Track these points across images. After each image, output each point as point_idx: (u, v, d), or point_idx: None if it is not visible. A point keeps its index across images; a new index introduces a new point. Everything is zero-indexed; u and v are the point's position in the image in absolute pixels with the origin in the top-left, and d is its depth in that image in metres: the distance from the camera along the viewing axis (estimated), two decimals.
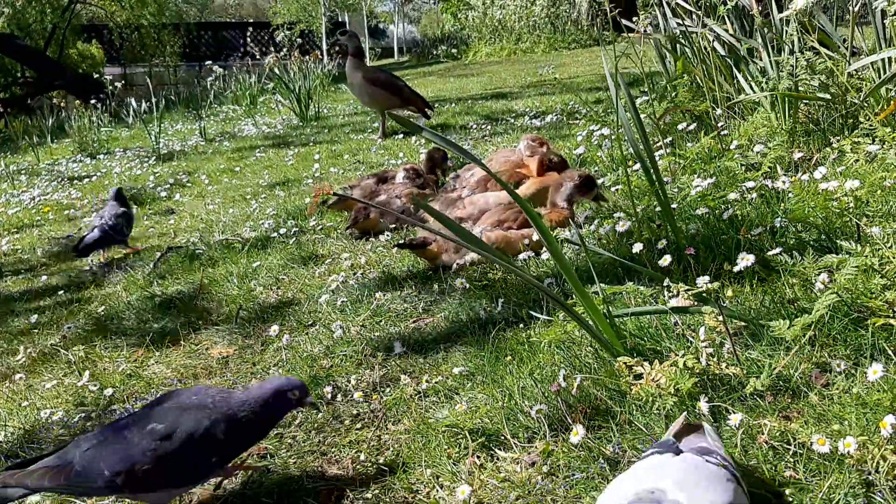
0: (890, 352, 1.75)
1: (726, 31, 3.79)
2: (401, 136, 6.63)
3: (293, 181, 5.46)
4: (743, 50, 3.71)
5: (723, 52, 3.80)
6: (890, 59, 3.06)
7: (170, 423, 1.60)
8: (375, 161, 5.76)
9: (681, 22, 4.01)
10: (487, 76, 11.83)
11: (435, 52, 17.24)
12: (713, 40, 3.73)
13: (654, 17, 4.55)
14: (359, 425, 1.95)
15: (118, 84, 9.68)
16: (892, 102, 2.71)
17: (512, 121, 6.60)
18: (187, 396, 1.66)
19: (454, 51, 16.21)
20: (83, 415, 2.29)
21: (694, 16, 3.81)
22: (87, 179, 6.72)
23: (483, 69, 13.04)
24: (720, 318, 1.75)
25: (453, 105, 8.27)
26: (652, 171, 2.39)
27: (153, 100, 8.69)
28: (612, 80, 2.47)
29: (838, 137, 3.22)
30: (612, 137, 4.14)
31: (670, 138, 3.71)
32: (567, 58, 12.82)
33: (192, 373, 2.47)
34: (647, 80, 5.30)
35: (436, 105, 8.08)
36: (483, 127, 6.51)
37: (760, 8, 3.52)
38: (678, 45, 4.19)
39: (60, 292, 3.62)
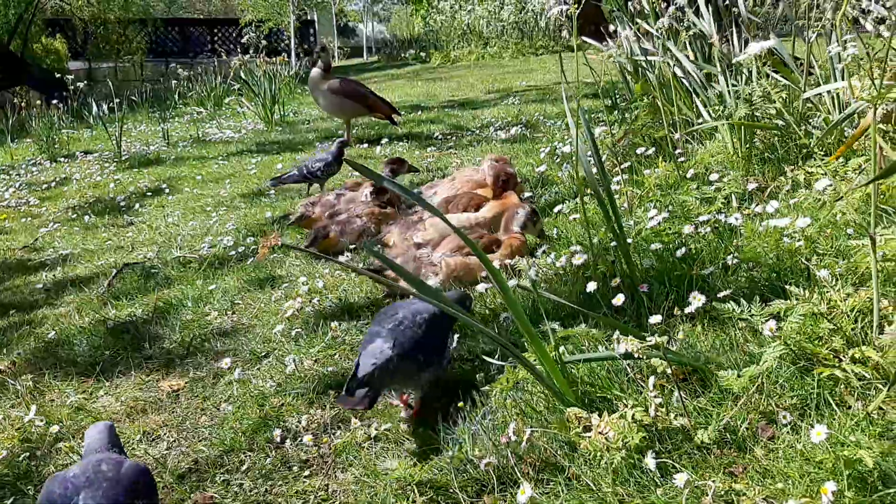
0: (835, 404, 1.77)
1: (687, 56, 3.82)
2: (365, 144, 6.60)
3: (255, 192, 5.41)
4: (701, 76, 3.73)
5: (682, 76, 3.83)
6: (838, 92, 3.10)
7: None
8: (341, 171, 5.73)
9: (643, 46, 4.03)
10: (455, 81, 11.84)
11: (404, 55, 17.19)
12: (673, 65, 3.75)
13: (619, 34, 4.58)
14: (307, 472, 1.93)
15: (80, 84, 9.51)
16: (844, 144, 2.75)
17: (478, 132, 6.60)
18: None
19: (423, 54, 16.18)
20: (28, 454, 2.24)
21: (656, 40, 3.82)
22: (45, 186, 6.59)
23: (451, 73, 13.04)
24: (668, 370, 1.75)
25: (420, 112, 8.25)
26: (609, 207, 2.40)
27: (116, 100, 8.57)
28: (571, 116, 2.48)
29: (792, 167, 3.26)
30: (573, 158, 4.15)
31: (629, 162, 3.73)
32: (535, 63, 12.86)
33: (142, 407, 2.43)
34: (608, 93, 5.35)
35: (403, 112, 8.06)
36: (449, 137, 6.51)
37: (719, 37, 3.54)
38: (639, 69, 4.21)
39: (12, 311, 3.55)
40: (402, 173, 4.13)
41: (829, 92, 3.44)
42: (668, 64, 3.71)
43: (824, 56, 3.47)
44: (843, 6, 2.40)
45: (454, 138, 6.45)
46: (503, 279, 1.85)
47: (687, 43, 3.85)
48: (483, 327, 1.80)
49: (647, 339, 1.73)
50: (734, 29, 3.79)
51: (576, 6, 2.52)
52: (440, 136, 6.56)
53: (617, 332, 1.82)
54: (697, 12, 3.92)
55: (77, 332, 3.13)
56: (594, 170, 2.51)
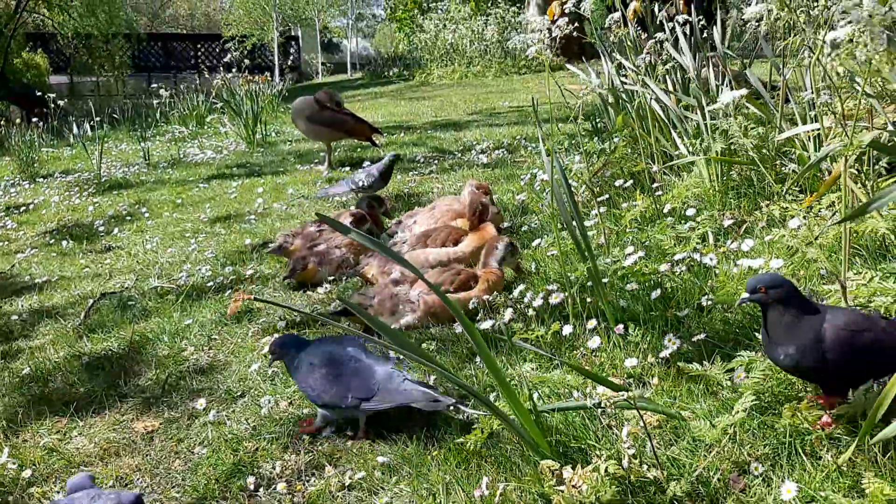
0: (805, 455, 1.78)
1: (665, 90, 3.85)
2: (347, 168, 6.59)
3: (235, 217, 5.39)
4: (679, 109, 3.77)
5: (660, 109, 3.86)
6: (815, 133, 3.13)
7: None
8: (321, 195, 5.73)
9: (623, 77, 4.07)
10: (439, 100, 11.87)
11: (388, 73, 17.24)
12: (651, 99, 3.79)
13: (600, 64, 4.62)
14: None
15: (61, 102, 9.46)
16: (817, 189, 2.77)
17: (459, 155, 6.62)
18: None
19: (406, 72, 16.23)
20: (0, 500, 2.22)
21: (635, 74, 3.86)
22: (23, 208, 6.54)
23: (435, 92, 13.08)
24: (641, 422, 1.76)
25: (403, 134, 8.26)
26: (585, 249, 2.41)
27: (97, 119, 8.53)
28: (547, 161, 2.49)
29: (768, 202, 3.29)
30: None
31: (607, 195, 3.75)
32: (517, 83, 12.92)
33: (115, 450, 2.41)
34: (589, 118, 5.37)
35: (385, 132, 8.07)
36: (431, 161, 6.52)
37: (696, 70, 3.58)
38: (619, 100, 4.24)
39: None
40: (380, 212, 4.12)
41: (806, 97, 3.48)
42: (646, 98, 3.74)
43: (800, 79, 3.51)
44: (817, 53, 2.43)
45: (436, 161, 6.46)
46: (475, 330, 1.85)
47: (665, 76, 3.88)
48: (456, 378, 1.80)
49: (620, 392, 1.73)
50: (710, 64, 3.83)
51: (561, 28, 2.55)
52: (422, 159, 6.58)
53: (591, 390, 1.83)
54: (676, 44, 3.96)
55: (52, 367, 3.10)
56: (569, 211, 2.53)
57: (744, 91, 2.09)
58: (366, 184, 4.94)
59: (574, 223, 2.42)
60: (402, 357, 2.31)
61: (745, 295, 1.84)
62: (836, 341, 1.73)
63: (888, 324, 1.79)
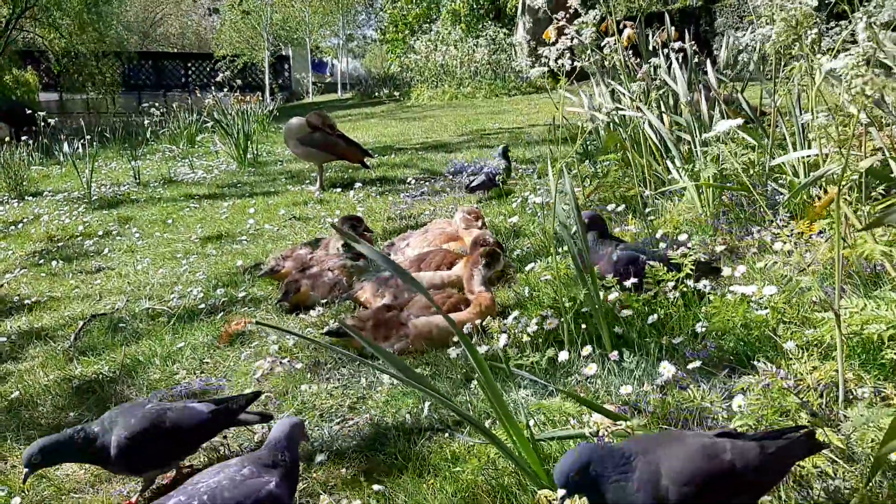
0: (801, 487, 1.79)
1: (658, 115, 3.88)
2: (339, 189, 6.60)
3: (226, 237, 5.38)
4: (671, 135, 3.80)
5: (653, 134, 3.89)
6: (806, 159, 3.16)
7: None
8: (312, 216, 5.73)
9: (618, 105, 4.10)
10: (429, 121, 11.91)
11: (377, 94, 17.30)
12: (644, 123, 3.82)
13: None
14: None
15: (51, 121, 9.43)
16: (809, 212, 2.80)
17: (451, 177, 6.63)
18: None
19: (397, 93, 16.29)
20: None
21: (628, 100, 3.89)
22: (12, 227, 6.51)
23: (425, 113, 13.13)
24: None
25: (394, 155, 8.27)
26: (588, 279, 2.42)
27: (87, 137, 8.50)
28: (553, 177, 2.50)
29: (759, 228, 3.31)
30: (544, 209, 4.19)
31: None
32: (507, 105, 12.99)
33: (106, 476, 2.38)
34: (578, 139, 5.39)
35: (376, 154, 8.09)
36: (421, 182, 6.53)
37: (689, 97, 3.61)
38: (612, 124, 4.27)
39: None
40: (359, 231, 4.10)
41: (793, 150, 3.52)
42: (640, 122, 3.77)
43: (790, 105, 3.54)
44: (819, 82, 2.46)
45: (427, 183, 6.48)
46: (481, 360, 1.85)
47: (658, 101, 3.91)
48: (454, 405, 1.79)
49: (617, 420, 1.73)
50: (702, 89, 3.87)
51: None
52: (413, 181, 6.59)
53: (587, 417, 1.83)
54: (670, 70, 4.00)
55: (41, 390, 3.07)
56: (574, 237, 2.53)
57: (740, 121, 2.10)
58: (500, 175, 5.44)
59: (577, 246, 2.43)
60: None
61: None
62: None
63: None
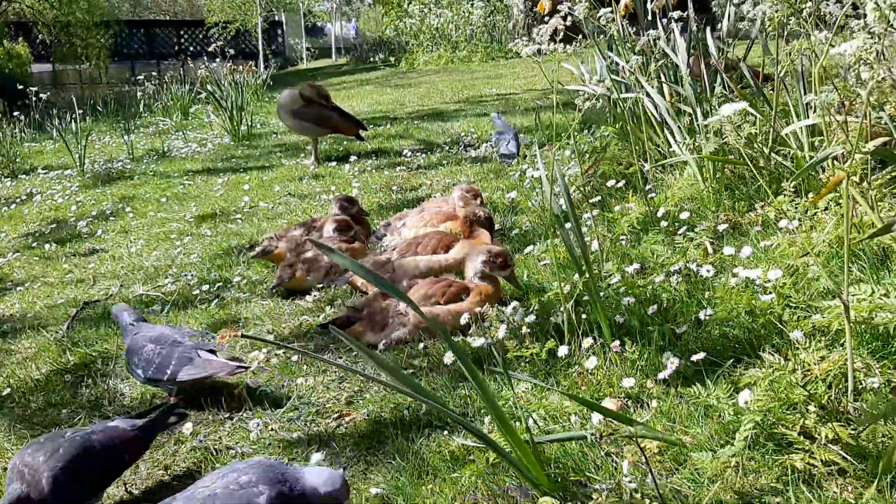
0: (812, 487, 1.74)
1: (659, 86, 3.78)
2: (334, 162, 6.51)
3: (221, 216, 5.30)
4: (671, 108, 3.70)
5: (652, 108, 3.79)
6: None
7: None
8: (308, 192, 5.64)
9: (616, 76, 3.99)
10: (425, 87, 11.76)
11: (373, 58, 17.08)
12: (644, 95, 3.71)
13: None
14: None
15: (42, 96, 9.29)
16: (822, 190, 2.71)
17: (447, 149, 6.53)
18: None
19: (392, 59, 16.08)
20: None
21: (627, 71, 3.77)
22: (5, 207, 6.42)
23: (421, 79, 12.95)
24: (640, 455, 1.71)
25: (389, 126, 8.16)
26: (584, 267, 2.35)
27: (79, 112, 8.38)
28: (544, 169, 2.42)
29: (763, 203, 3.23)
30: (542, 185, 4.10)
31: (599, 196, 3.68)
32: (504, 68, 12.82)
33: None
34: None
35: (371, 125, 7.97)
36: (418, 154, 6.43)
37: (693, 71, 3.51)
38: (611, 99, 4.17)
39: None
40: (353, 212, 4.01)
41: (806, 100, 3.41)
42: (639, 97, 3.67)
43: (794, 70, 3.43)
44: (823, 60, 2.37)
45: (423, 155, 6.38)
46: (475, 369, 1.79)
47: (659, 73, 3.80)
48: (450, 411, 1.73)
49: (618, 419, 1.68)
50: (702, 60, 3.76)
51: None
52: (409, 153, 6.49)
53: (590, 425, 1.77)
54: (669, 40, 3.88)
55: (34, 385, 3.02)
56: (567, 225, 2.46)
57: (744, 104, 2.01)
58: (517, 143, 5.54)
59: (572, 237, 2.36)
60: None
61: None
62: None
63: None
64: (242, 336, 1.84)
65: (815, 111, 2.81)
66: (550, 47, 2.54)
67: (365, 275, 1.72)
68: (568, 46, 2.89)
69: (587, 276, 2.39)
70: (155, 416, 2.21)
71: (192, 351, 2.59)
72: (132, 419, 2.21)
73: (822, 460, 1.82)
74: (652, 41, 3.56)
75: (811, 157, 3.23)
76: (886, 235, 2.28)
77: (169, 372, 2.56)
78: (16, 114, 9.63)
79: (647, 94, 3.62)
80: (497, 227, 3.96)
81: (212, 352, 2.60)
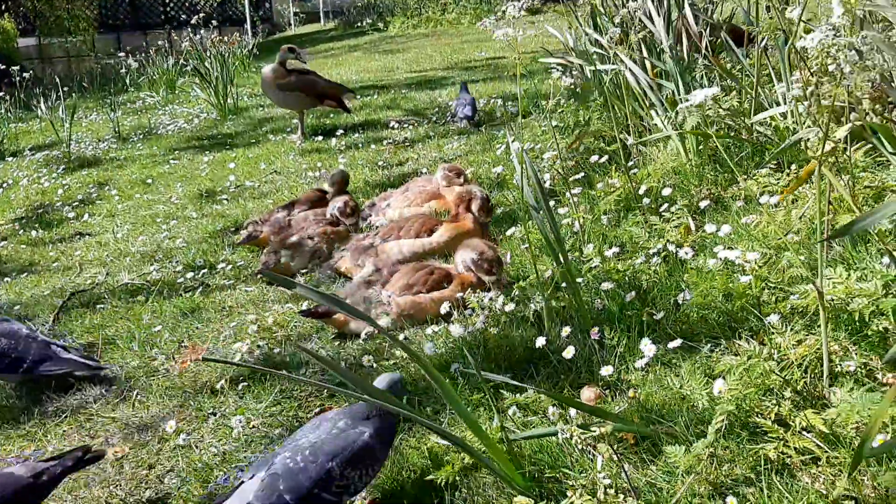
0: (785, 477, 1.75)
1: (640, 59, 3.73)
2: (320, 137, 6.46)
3: (207, 196, 5.28)
4: (652, 81, 3.65)
5: (634, 81, 3.74)
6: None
7: None
8: (293, 169, 5.60)
9: (598, 50, 3.94)
10: (413, 52, 11.64)
11: (360, 24, 16.87)
12: (625, 69, 3.67)
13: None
14: None
15: (26, 74, 9.18)
16: (799, 175, 2.69)
17: (435, 119, 6.48)
18: None
19: (380, 23, 15.87)
20: None
21: (605, 43, 3.72)
22: None
23: (409, 44, 12.80)
24: (614, 455, 1.71)
25: (377, 95, 8.08)
26: (560, 256, 2.35)
27: (65, 89, 8.29)
28: (518, 165, 2.40)
29: (745, 176, 3.21)
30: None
31: (582, 172, 3.66)
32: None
33: (84, 480, 2.35)
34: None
35: (359, 95, 7.90)
36: (405, 126, 6.38)
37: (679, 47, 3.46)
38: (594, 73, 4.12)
39: None
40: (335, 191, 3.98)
41: (779, 90, 3.39)
42: (620, 70, 3.63)
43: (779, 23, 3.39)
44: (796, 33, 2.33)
45: (410, 127, 6.33)
46: (441, 378, 1.79)
47: (640, 44, 3.75)
48: (424, 420, 1.74)
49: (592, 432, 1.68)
50: (684, 29, 3.71)
51: None
52: (396, 125, 6.43)
53: (561, 425, 1.77)
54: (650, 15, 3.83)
55: (18, 381, 3.02)
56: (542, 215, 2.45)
57: (716, 89, 1.99)
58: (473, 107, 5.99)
59: (549, 228, 2.34)
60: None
61: None
62: None
63: None
64: (204, 360, 1.83)
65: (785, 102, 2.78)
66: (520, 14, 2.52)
67: (329, 303, 1.72)
68: (539, 16, 2.84)
69: (563, 266, 2.38)
70: (61, 458, 2.09)
71: (48, 347, 2.79)
72: (41, 462, 2.07)
73: (795, 448, 1.83)
74: (630, 13, 3.50)
75: (794, 128, 3.21)
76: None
77: (25, 366, 2.73)
78: (1, 94, 9.52)
79: (629, 69, 3.58)
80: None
81: (63, 348, 2.83)
